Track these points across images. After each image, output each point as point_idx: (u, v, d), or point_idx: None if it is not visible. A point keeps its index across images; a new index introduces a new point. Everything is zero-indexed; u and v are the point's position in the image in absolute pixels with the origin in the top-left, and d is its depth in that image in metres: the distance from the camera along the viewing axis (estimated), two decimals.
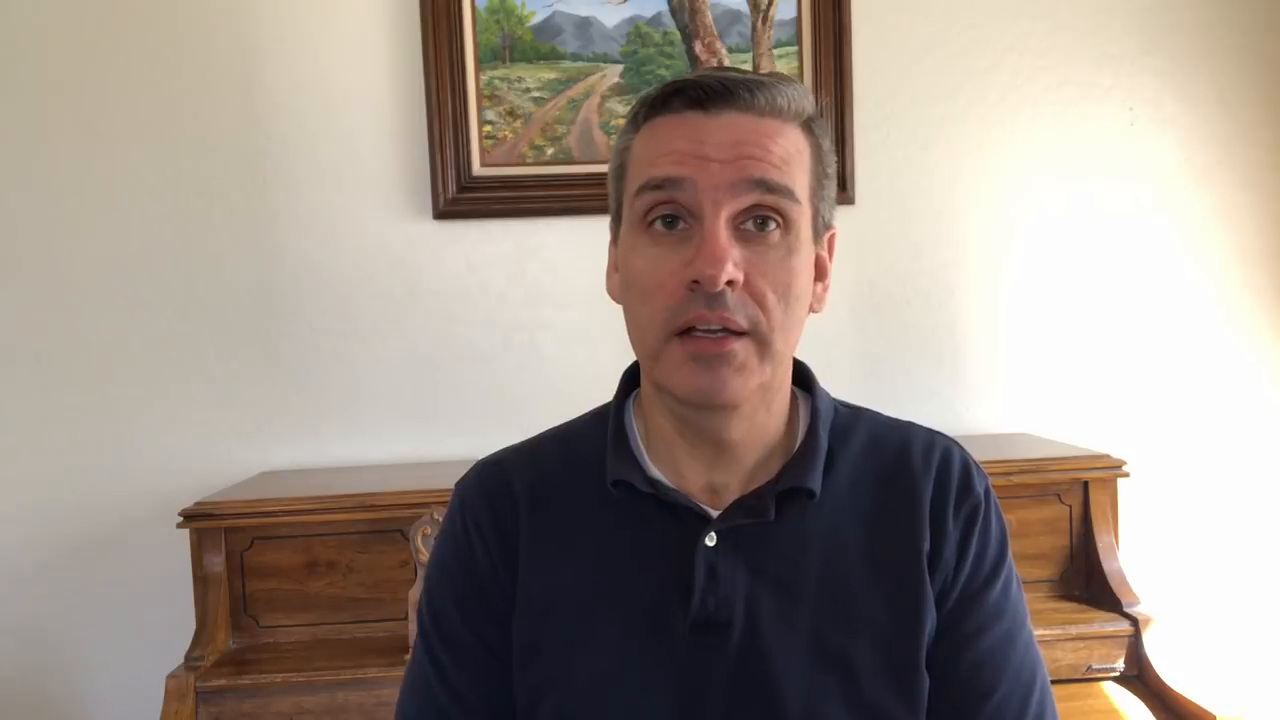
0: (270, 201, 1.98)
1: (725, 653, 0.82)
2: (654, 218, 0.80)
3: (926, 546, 0.85)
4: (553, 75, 2.00)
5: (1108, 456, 1.80)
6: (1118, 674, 1.66)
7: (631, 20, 2.00)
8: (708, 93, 0.80)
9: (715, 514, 0.85)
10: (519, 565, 0.87)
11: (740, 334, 0.78)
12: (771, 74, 0.84)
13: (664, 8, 2.00)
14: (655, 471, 0.87)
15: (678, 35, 2.00)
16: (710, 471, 0.86)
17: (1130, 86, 2.07)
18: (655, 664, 0.82)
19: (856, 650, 0.82)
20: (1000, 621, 0.86)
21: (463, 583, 0.89)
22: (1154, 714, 1.59)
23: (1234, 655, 2.07)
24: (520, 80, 1.99)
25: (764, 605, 0.83)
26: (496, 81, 1.99)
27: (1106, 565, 1.75)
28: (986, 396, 2.09)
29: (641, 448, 0.89)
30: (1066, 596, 1.79)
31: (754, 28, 2.01)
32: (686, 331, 0.79)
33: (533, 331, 2.03)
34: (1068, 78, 2.06)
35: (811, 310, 0.85)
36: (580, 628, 0.84)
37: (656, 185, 0.79)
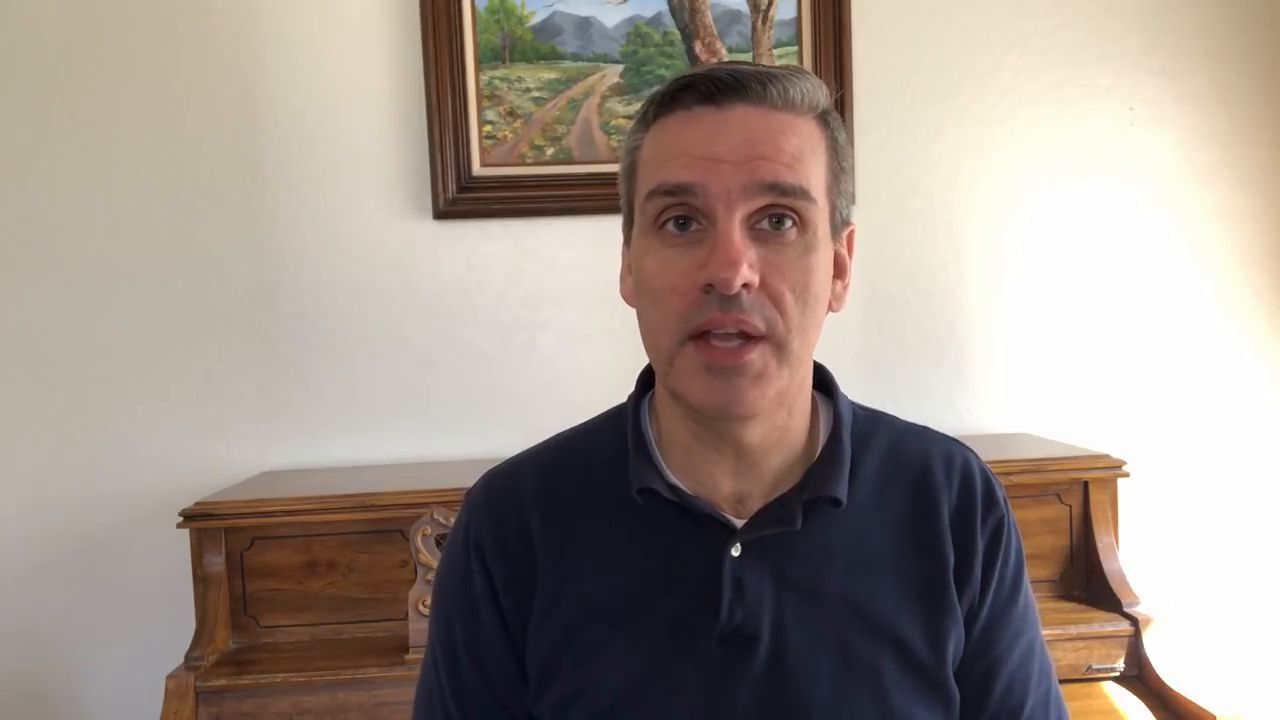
0: (270, 201, 1.98)
1: (753, 665, 0.80)
2: (665, 219, 0.79)
3: (952, 559, 0.85)
4: (553, 75, 2.00)
5: (1108, 456, 1.80)
6: (1118, 674, 1.66)
7: (631, 20, 2.00)
8: (718, 86, 0.78)
9: (739, 523, 0.83)
10: (536, 580, 0.85)
11: (757, 340, 0.77)
12: (784, 66, 0.82)
13: (664, 8, 2.00)
14: (675, 479, 0.85)
15: (678, 35, 2.00)
16: (733, 479, 0.84)
17: (1130, 86, 2.07)
18: (682, 678, 0.81)
19: (883, 660, 0.81)
20: (1024, 634, 0.87)
21: (462, 603, 0.88)
22: (1154, 714, 1.59)
23: (1234, 655, 2.07)
24: (520, 80, 1.99)
25: (791, 616, 0.82)
26: (496, 81, 1.99)
27: (1106, 565, 1.75)
28: (987, 396, 2.10)
29: (659, 454, 0.86)
30: (1066, 596, 1.79)
31: (754, 28, 2.01)
32: (701, 336, 0.77)
33: (533, 331, 2.03)
34: (1068, 78, 2.06)
35: (830, 310, 0.83)
36: (605, 642, 0.83)
37: (667, 191, 0.78)
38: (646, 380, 0.91)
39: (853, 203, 0.85)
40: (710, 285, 0.75)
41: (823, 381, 0.90)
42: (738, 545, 0.82)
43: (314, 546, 1.72)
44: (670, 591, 0.83)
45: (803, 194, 0.77)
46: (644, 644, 0.82)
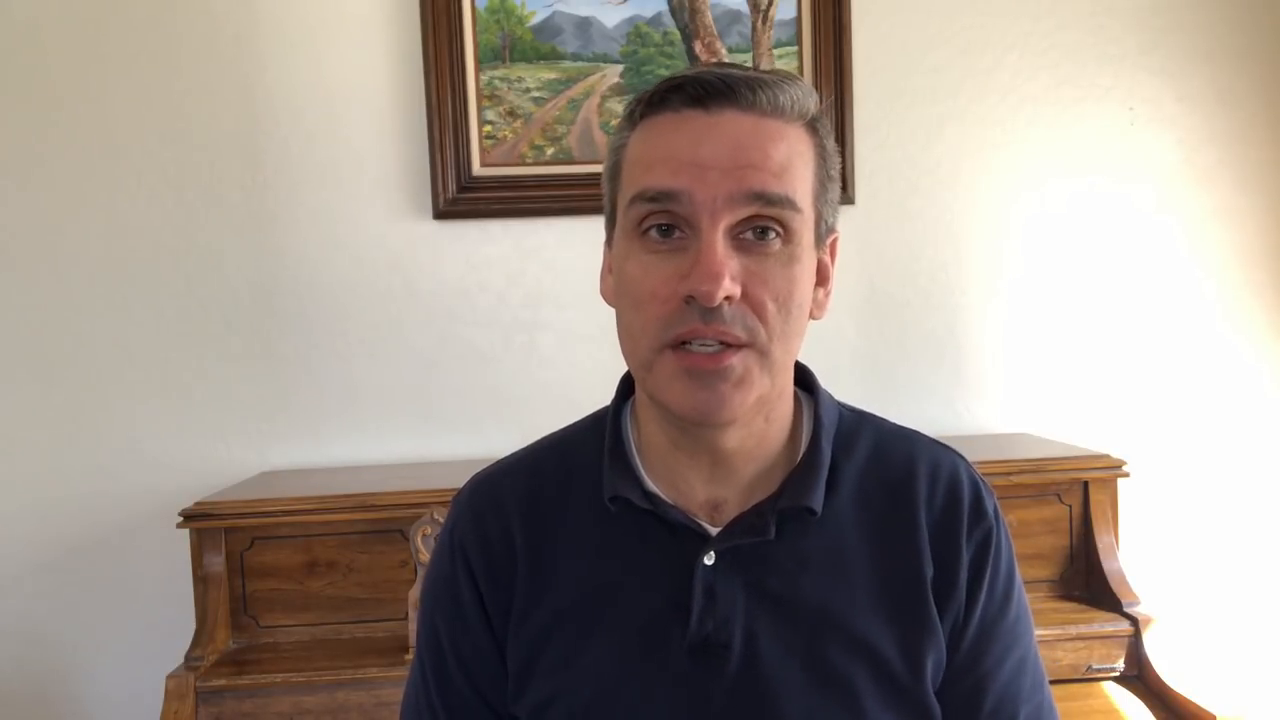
0: (270, 201, 1.98)
1: (724, 674, 0.80)
2: (649, 226, 0.78)
3: (930, 570, 0.83)
4: (553, 75, 2.00)
5: (1108, 456, 1.80)
6: (1118, 674, 1.66)
7: (631, 20, 2.00)
8: (707, 90, 0.76)
9: (714, 531, 0.83)
10: (515, 587, 0.85)
11: (738, 346, 0.76)
12: (774, 71, 0.81)
13: (664, 8, 2.00)
14: (652, 485, 0.84)
15: (678, 35, 2.00)
16: (709, 485, 0.84)
17: (1130, 86, 2.07)
18: (652, 685, 0.81)
19: (856, 671, 0.80)
20: (1015, 648, 0.85)
21: (448, 606, 0.88)
22: (1154, 714, 1.59)
23: (1234, 655, 2.07)
24: (520, 80, 1.99)
25: (763, 626, 0.81)
26: (496, 81, 1.99)
27: (1106, 565, 1.75)
28: (986, 396, 2.09)
29: (638, 459, 0.86)
30: (1066, 596, 1.79)
31: (754, 28, 2.01)
32: (680, 344, 0.76)
33: (533, 331, 2.03)
34: (1068, 78, 2.06)
35: (812, 317, 0.82)
36: (577, 647, 0.83)
37: (651, 197, 0.76)
38: (628, 384, 0.91)
39: (838, 210, 0.84)
40: (692, 296, 0.74)
41: (805, 382, 0.89)
42: (711, 554, 0.81)
43: (314, 546, 1.72)
44: (643, 599, 0.82)
45: (789, 204, 0.76)
46: (615, 651, 0.82)
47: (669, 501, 0.84)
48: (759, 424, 0.83)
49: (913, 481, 0.86)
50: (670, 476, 0.85)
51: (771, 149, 0.76)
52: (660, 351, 0.77)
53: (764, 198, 0.75)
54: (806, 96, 0.79)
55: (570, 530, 0.86)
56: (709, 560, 0.81)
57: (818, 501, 0.82)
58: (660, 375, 0.78)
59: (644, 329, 0.78)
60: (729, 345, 0.76)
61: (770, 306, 0.76)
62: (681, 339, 0.76)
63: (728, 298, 0.74)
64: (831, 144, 0.82)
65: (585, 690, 0.82)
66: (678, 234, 0.77)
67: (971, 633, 0.84)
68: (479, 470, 0.93)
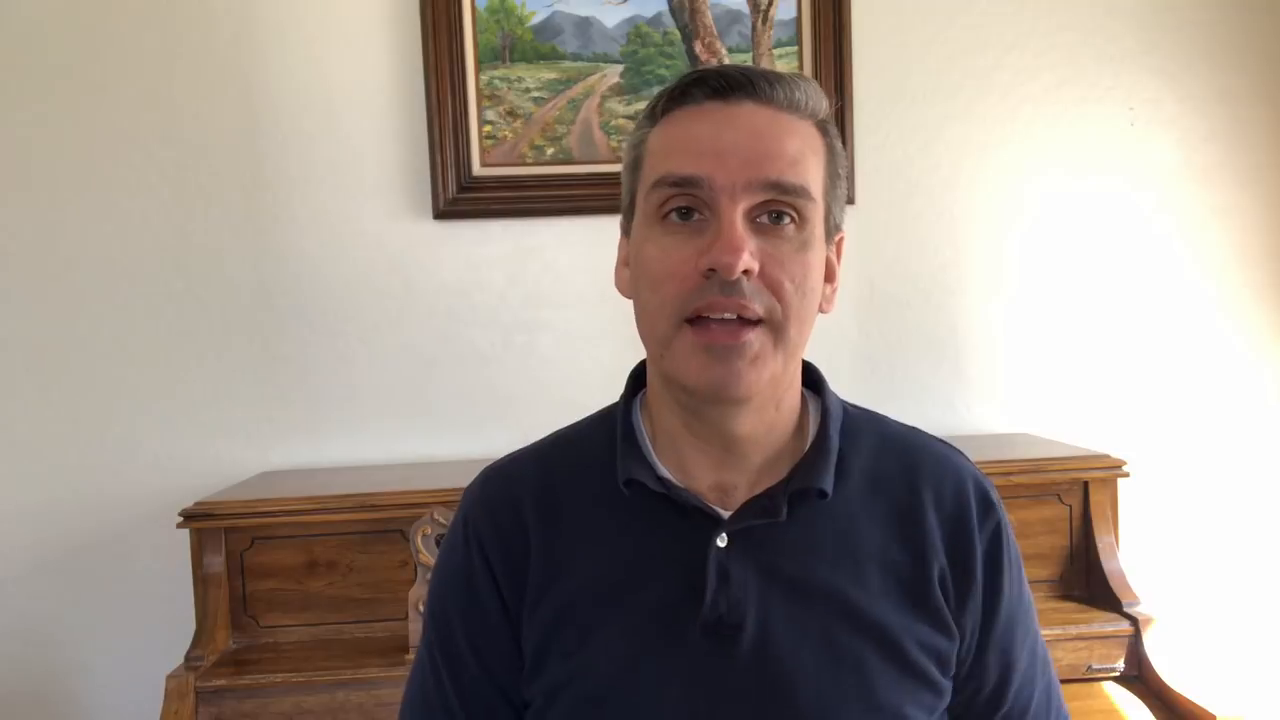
0: (270, 201, 1.98)
1: (737, 655, 0.82)
2: (669, 209, 0.81)
3: (940, 562, 0.86)
4: (553, 75, 2.00)
5: (1108, 456, 1.80)
6: (1118, 674, 1.66)
7: (631, 20, 2.00)
8: (729, 83, 0.81)
9: (726, 514, 0.84)
10: (528, 575, 0.87)
11: (755, 323, 0.79)
12: (789, 72, 0.85)
13: (664, 8, 2.00)
14: (664, 471, 0.86)
15: (678, 35, 2.00)
16: (718, 470, 0.86)
17: (1130, 86, 2.07)
18: (667, 667, 0.82)
19: (868, 652, 0.82)
20: (1031, 629, 0.91)
21: (463, 597, 0.89)
22: (1154, 714, 1.59)
23: (1234, 655, 2.07)
24: (520, 80, 1.99)
25: (776, 607, 0.82)
26: (496, 81, 1.99)
27: (1106, 565, 1.75)
28: (987, 396, 2.10)
29: (650, 447, 0.88)
30: (1066, 596, 1.79)
31: (754, 28, 2.01)
32: (698, 319, 0.79)
33: (533, 331, 2.03)
34: (1068, 78, 2.06)
35: (821, 310, 0.85)
36: (592, 630, 0.84)
37: (674, 182, 0.80)
38: (636, 380, 0.93)
39: (845, 210, 0.87)
40: (711, 270, 0.77)
41: (812, 380, 0.92)
42: (724, 536, 0.83)
43: (314, 546, 1.72)
44: (656, 581, 0.84)
45: (803, 193, 0.80)
46: (629, 632, 0.83)
47: (680, 485, 0.85)
48: (770, 411, 0.85)
49: (919, 476, 0.89)
50: (682, 462, 0.87)
51: (787, 141, 0.80)
52: (679, 327, 0.80)
53: (780, 185, 0.79)
54: (820, 97, 0.84)
55: (582, 519, 0.88)
56: (721, 542, 0.83)
57: (828, 483, 0.84)
58: (678, 351, 0.80)
59: (661, 306, 0.80)
60: (746, 322, 0.78)
61: (788, 286, 0.79)
62: (699, 312, 0.78)
63: (746, 271, 0.77)
64: (840, 146, 0.86)
65: (599, 672, 0.83)
66: (697, 216, 0.80)
67: (1001, 622, 0.88)
68: (487, 465, 0.95)
